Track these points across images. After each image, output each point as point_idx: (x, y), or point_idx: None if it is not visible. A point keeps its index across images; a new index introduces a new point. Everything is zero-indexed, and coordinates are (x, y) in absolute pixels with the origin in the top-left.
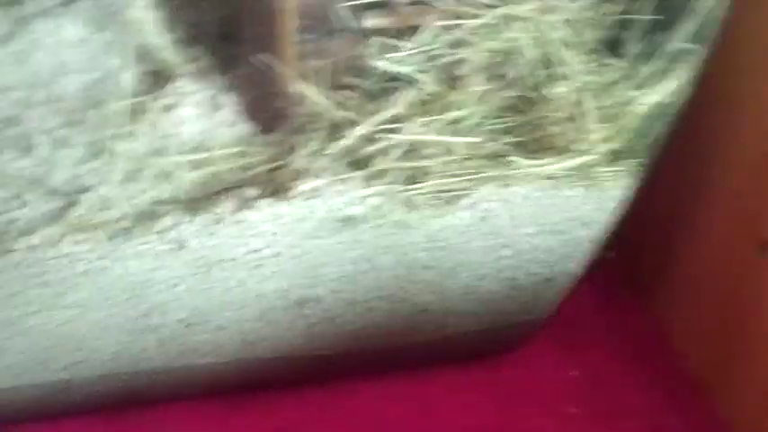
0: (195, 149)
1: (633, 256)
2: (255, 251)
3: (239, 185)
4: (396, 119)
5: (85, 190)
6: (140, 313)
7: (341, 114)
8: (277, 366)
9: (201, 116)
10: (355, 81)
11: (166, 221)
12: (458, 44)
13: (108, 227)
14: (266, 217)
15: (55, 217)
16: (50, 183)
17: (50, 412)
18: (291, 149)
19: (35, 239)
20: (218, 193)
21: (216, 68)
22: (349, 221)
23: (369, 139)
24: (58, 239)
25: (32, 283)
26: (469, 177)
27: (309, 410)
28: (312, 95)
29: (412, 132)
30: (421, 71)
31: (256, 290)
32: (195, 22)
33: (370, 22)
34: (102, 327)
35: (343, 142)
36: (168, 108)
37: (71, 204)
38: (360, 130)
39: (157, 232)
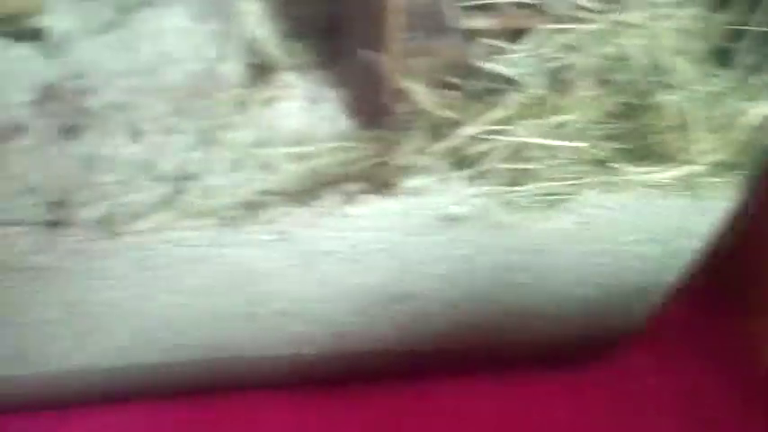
0: (297, 142)
1: (732, 269)
2: (356, 245)
3: (342, 180)
4: (502, 121)
5: (193, 177)
6: (241, 301)
7: (445, 114)
8: (366, 360)
9: (304, 110)
10: (459, 81)
11: (273, 212)
12: (568, 48)
13: (215, 215)
14: (370, 212)
15: (164, 203)
16: (159, 169)
17: (144, 393)
18: (393, 146)
19: (146, 224)
20: (321, 186)
21: (318, 63)
22: (451, 220)
23: (474, 139)
24: (167, 225)
25: (140, 267)
26: (573, 182)
27: (395, 405)
28: (418, 94)
29: (517, 135)
30: (528, 74)
31: (354, 284)
32: (299, 16)
33: (476, 23)
34: (203, 313)
35: (449, 142)
36: (271, 101)
37: (179, 191)
38: (467, 131)
39: (264, 223)
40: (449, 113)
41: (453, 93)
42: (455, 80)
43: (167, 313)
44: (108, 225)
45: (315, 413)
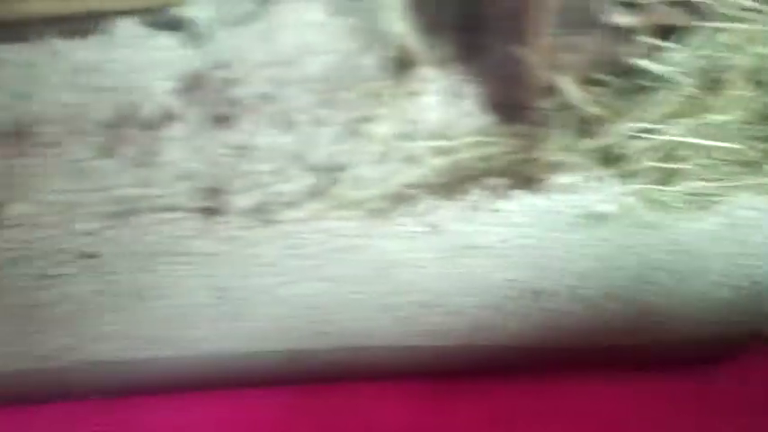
0: (439, 136)
1: None
2: (504, 240)
3: (487, 175)
4: (654, 119)
5: (341, 169)
6: (384, 291)
7: (594, 111)
8: (499, 354)
9: (444, 104)
10: (608, 78)
11: (423, 205)
12: (727, 48)
13: (365, 206)
14: (520, 208)
15: (316, 193)
16: (309, 160)
17: (272, 380)
18: (537, 142)
19: (299, 213)
20: (466, 180)
21: (457, 58)
22: (599, 218)
23: (625, 137)
24: (320, 215)
25: (291, 255)
26: (725, 183)
27: (525, 400)
28: (568, 90)
29: (670, 134)
30: (682, 72)
31: (497, 278)
32: (438, 10)
33: (626, 19)
34: (346, 301)
35: (601, 139)
36: (412, 94)
37: (330, 182)
38: (620, 128)
39: (413, 215)
40: (597, 110)
41: (600, 90)
42: (603, 77)
43: (310, 301)
44: (262, 213)
45: (432, 406)
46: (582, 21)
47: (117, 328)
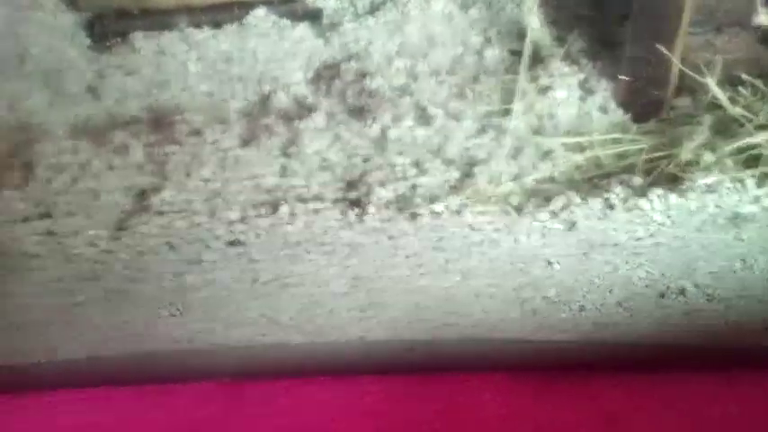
0: (574, 132)
1: None
2: (638, 239)
3: (625, 172)
4: None
5: (479, 163)
6: (515, 285)
7: (737, 111)
8: (621, 350)
9: (575, 99)
10: (751, 79)
11: (559, 201)
12: None
13: (503, 201)
14: (658, 206)
15: (455, 187)
16: (447, 153)
17: (395, 368)
18: (675, 140)
19: (439, 207)
20: (604, 177)
21: (588, 53)
22: (737, 219)
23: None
24: (459, 209)
25: (429, 246)
26: None
27: (637, 398)
28: (713, 89)
29: None
30: None
31: (627, 275)
32: (570, 4)
33: None
34: (479, 293)
35: (746, 140)
36: (544, 89)
37: (467, 176)
38: (763, 130)
39: (550, 211)
40: (740, 111)
41: (743, 90)
42: (747, 77)
43: (444, 293)
44: (405, 206)
45: (550, 399)
46: (727, 20)
47: (256, 314)
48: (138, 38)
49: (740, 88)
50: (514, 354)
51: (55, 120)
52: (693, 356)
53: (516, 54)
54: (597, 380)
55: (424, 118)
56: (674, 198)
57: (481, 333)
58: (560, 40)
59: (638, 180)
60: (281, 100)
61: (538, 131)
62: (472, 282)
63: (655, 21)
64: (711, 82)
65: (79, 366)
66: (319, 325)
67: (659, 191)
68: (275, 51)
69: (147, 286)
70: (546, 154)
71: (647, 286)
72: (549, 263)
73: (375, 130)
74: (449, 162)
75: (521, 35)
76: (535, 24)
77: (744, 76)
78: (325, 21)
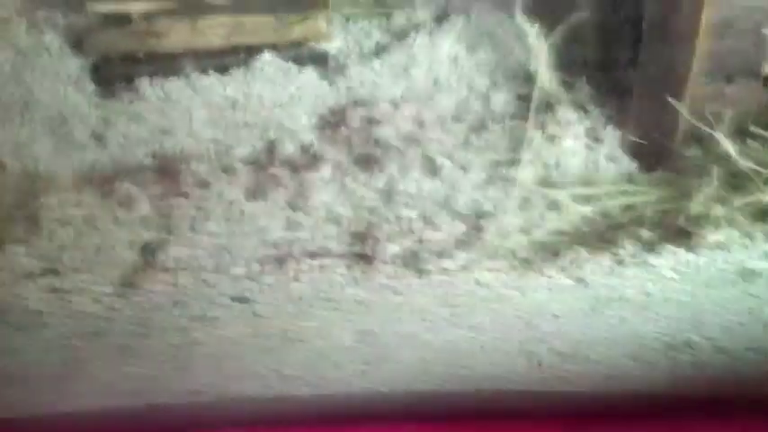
0: (582, 182)
1: None
2: (647, 294)
3: (634, 225)
4: None
5: (487, 215)
6: (525, 339)
7: (748, 164)
8: (628, 401)
9: (582, 148)
10: (761, 131)
11: (569, 257)
12: None
13: (512, 256)
14: (669, 262)
15: (464, 242)
16: (455, 205)
17: (405, 417)
18: (684, 192)
19: (449, 263)
20: (613, 230)
21: (598, 101)
22: (747, 274)
23: None
24: (468, 265)
25: (440, 303)
26: None
27: None
28: (723, 141)
29: None
30: None
31: (635, 329)
32: (577, 48)
33: None
34: (487, 347)
35: (754, 195)
36: (550, 138)
37: (476, 229)
38: None
39: (559, 267)
40: (751, 164)
41: (755, 143)
42: (758, 130)
43: (452, 346)
44: (411, 262)
45: None
46: (737, 69)
47: (262, 368)
48: (144, 83)
49: (750, 141)
50: (519, 404)
51: (60, 167)
52: (701, 406)
53: (523, 99)
54: (604, 429)
55: (431, 169)
56: (684, 254)
57: (486, 385)
58: (567, 85)
59: (647, 234)
60: (287, 148)
61: (545, 181)
62: (478, 335)
63: (664, 69)
64: (721, 135)
65: (83, 419)
66: (324, 377)
67: (669, 247)
68: (281, 96)
69: (151, 341)
70: (553, 205)
71: (655, 339)
72: (556, 317)
73: (382, 181)
74: (456, 215)
75: (527, 78)
76: (543, 69)
77: (753, 129)
78: (330, 63)
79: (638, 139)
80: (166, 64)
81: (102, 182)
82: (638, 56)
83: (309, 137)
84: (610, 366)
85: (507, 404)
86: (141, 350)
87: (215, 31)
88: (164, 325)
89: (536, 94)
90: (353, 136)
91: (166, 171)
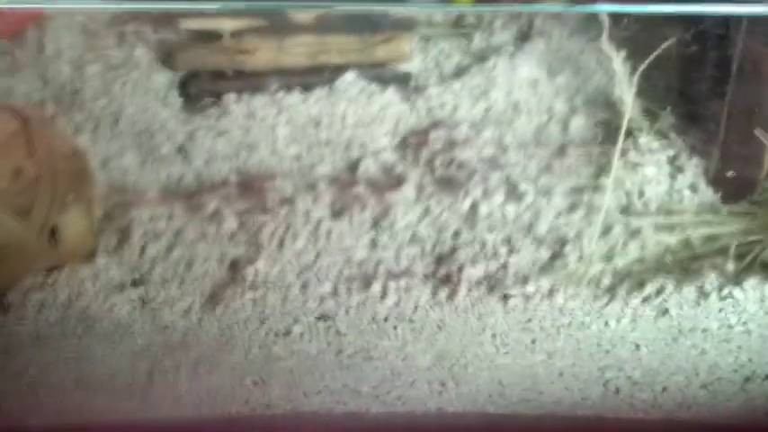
0: (661, 211)
1: None
2: (729, 326)
3: (716, 255)
4: None
5: (568, 242)
6: (598, 366)
7: None
8: (697, 429)
9: (665, 177)
10: None
11: (653, 287)
12: None
13: (593, 283)
14: (752, 296)
15: (545, 267)
16: (536, 230)
17: None
18: (765, 224)
19: (530, 289)
20: (695, 260)
21: (678, 126)
22: None
23: None
24: (551, 292)
25: (517, 327)
26: None
27: None
28: None
29: None
30: None
31: (715, 360)
32: (658, 75)
33: None
34: (559, 372)
35: None
36: (632, 165)
37: (557, 255)
38: None
39: (643, 298)
40: None
41: None
42: None
43: (528, 370)
44: (496, 286)
45: None
46: None
47: (338, 384)
48: (231, 99)
49: None
50: (591, 430)
51: (147, 181)
52: None
53: (603, 125)
54: None
55: (514, 194)
56: (764, 287)
57: (561, 410)
58: (650, 113)
59: (731, 267)
60: (369, 167)
61: (627, 209)
62: (557, 361)
63: (751, 101)
64: None
65: (160, 428)
66: (399, 396)
67: (754, 281)
68: (363, 116)
69: (233, 356)
70: (635, 233)
71: (733, 371)
72: (637, 346)
73: (466, 204)
74: (539, 241)
75: (608, 104)
76: (626, 95)
77: None
78: (411, 84)
79: (722, 170)
80: (253, 81)
81: (190, 196)
82: (723, 87)
83: (390, 157)
84: (685, 396)
85: (579, 429)
86: (222, 363)
87: (300, 50)
88: (246, 339)
89: (624, 125)
90: (435, 157)
91: (250, 187)
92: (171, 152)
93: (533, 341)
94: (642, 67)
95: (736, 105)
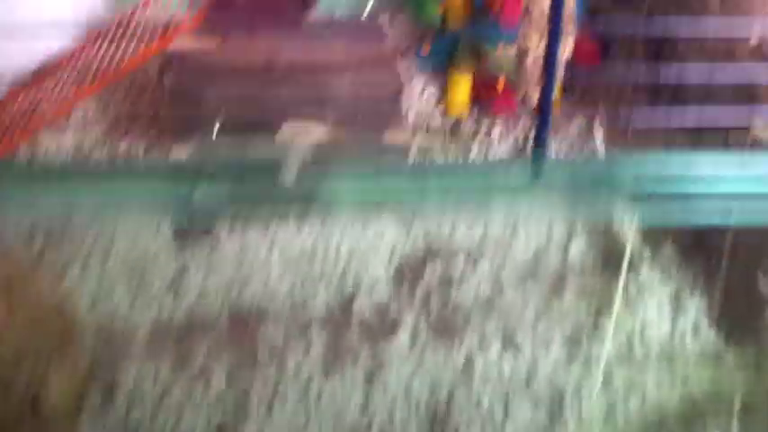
0: (663, 358)
1: None
2: None
3: (721, 414)
4: None
5: (566, 397)
6: None
7: None
8: None
9: (666, 318)
10: None
11: None
12: None
13: None
14: None
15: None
16: (534, 387)
17: None
18: None
19: None
20: (698, 418)
21: (679, 260)
22: None
23: None
24: None
25: None
26: None
27: None
28: None
29: None
30: None
31: None
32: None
33: None
34: None
35: None
36: (632, 303)
37: (555, 416)
38: None
39: None
40: None
41: None
42: None
43: None
44: None
45: None
46: None
47: None
48: (223, 231)
49: None
50: None
51: (136, 322)
52: None
53: (602, 252)
54: None
55: (511, 345)
56: None
57: None
58: (652, 246)
59: (736, 428)
60: (363, 305)
61: (627, 355)
62: None
63: (753, 247)
64: None
65: None
66: None
67: None
68: (357, 247)
69: None
70: (635, 386)
71: None
72: None
73: (461, 355)
74: (536, 400)
75: (606, 231)
76: (629, 225)
77: None
78: (408, 211)
79: (725, 311)
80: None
81: (178, 339)
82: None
83: (385, 293)
84: None
85: None
86: None
87: None
88: None
89: (624, 267)
90: (430, 295)
91: (241, 329)
92: (162, 288)
93: None
94: None
95: (738, 243)
